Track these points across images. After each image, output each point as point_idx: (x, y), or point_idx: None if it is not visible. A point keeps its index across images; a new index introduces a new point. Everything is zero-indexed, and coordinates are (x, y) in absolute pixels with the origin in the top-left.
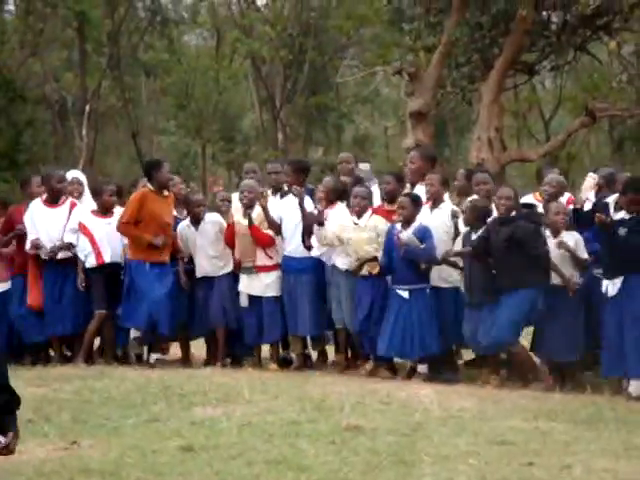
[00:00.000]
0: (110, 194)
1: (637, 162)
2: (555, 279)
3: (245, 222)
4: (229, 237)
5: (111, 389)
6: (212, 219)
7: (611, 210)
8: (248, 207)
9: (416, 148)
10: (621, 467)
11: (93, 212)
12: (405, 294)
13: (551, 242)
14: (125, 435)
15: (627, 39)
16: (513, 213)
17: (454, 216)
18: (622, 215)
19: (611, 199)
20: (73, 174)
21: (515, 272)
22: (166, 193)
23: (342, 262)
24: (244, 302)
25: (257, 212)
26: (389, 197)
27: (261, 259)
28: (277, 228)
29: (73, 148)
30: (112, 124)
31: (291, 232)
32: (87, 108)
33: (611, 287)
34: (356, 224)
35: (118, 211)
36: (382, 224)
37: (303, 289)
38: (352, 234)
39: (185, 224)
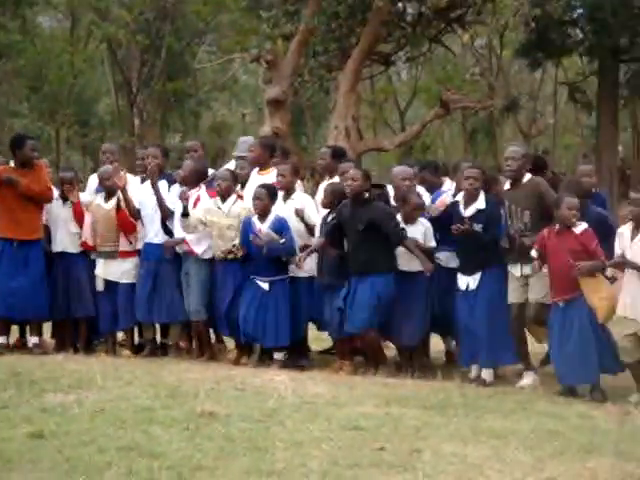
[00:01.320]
0: None
1: (488, 153)
2: (402, 266)
3: (106, 206)
4: (80, 217)
5: None
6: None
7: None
8: (108, 193)
9: (259, 138)
10: (469, 451)
11: None
12: (265, 286)
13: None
14: None
15: (480, 32)
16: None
17: (297, 214)
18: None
19: (459, 196)
20: None
21: (370, 256)
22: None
23: (201, 249)
24: (100, 286)
25: (115, 199)
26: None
27: (122, 244)
28: (136, 214)
29: None
30: None
31: (150, 218)
32: None
33: (472, 282)
34: (219, 208)
35: None
36: (245, 211)
37: (163, 276)
38: (215, 218)
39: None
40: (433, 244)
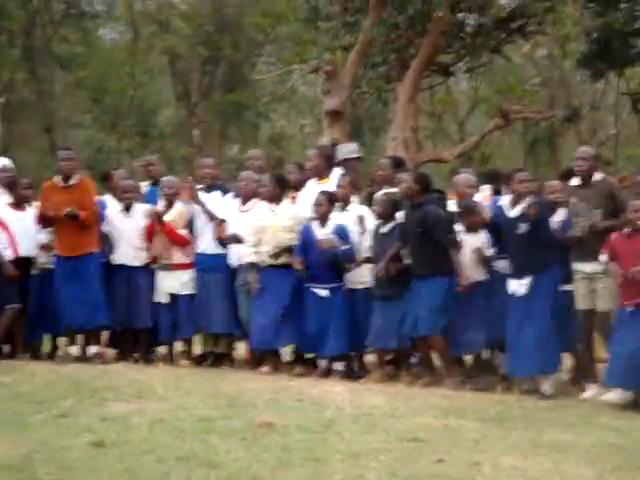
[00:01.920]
0: (25, 187)
1: (550, 164)
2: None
3: (167, 217)
4: (148, 230)
5: (20, 384)
6: (143, 208)
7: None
8: (168, 204)
9: (317, 147)
10: (529, 465)
11: (8, 205)
12: (324, 292)
13: (465, 239)
14: (34, 431)
15: (541, 42)
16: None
17: (360, 221)
18: (518, 211)
19: (505, 200)
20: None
21: (430, 258)
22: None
23: (251, 255)
24: (162, 298)
25: (176, 210)
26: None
27: (177, 257)
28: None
29: None
30: (26, 117)
31: (202, 229)
32: (1, 100)
33: (522, 286)
34: (273, 211)
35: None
36: (303, 212)
37: (216, 286)
38: (268, 222)
39: (115, 210)
40: (490, 253)
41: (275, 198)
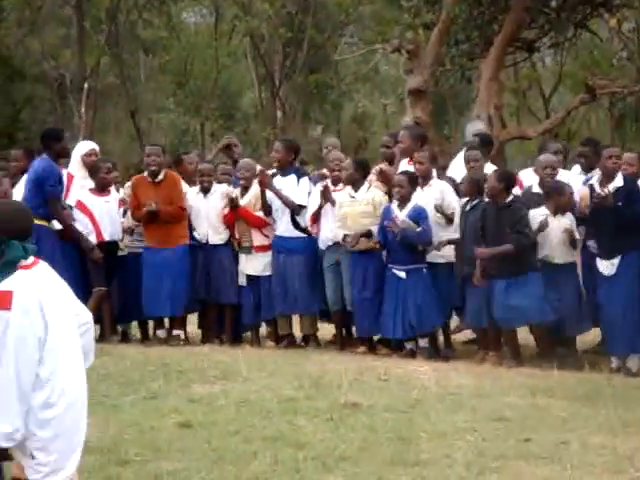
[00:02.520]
0: (107, 171)
1: (637, 139)
2: (557, 258)
3: (241, 201)
4: (226, 215)
5: (110, 366)
6: (221, 189)
7: (597, 188)
8: (245, 187)
9: (405, 128)
10: (618, 443)
11: (91, 190)
12: (402, 274)
13: (552, 221)
14: (123, 412)
15: (627, 16)
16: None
17: (437, 210)
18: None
19: (594, 179)
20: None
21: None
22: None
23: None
24: (243, 281)
25: (251, 193)
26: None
27: (257, 239)
28: (267, 209)
29: (72, 126)
30: (111, 102)
31: (280, 212)
32: (85, 86)
33: (610, 267)
34: (353, 197)
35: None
36: (379, 196)
37: (294, 269)
38: (348, 208)
39: (194, 192)
40: (577, 235)
41: (355, 183)
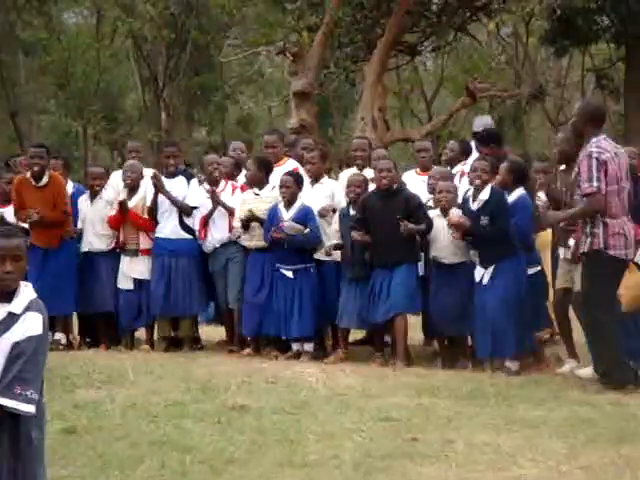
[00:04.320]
0: (7, 182)
1: (515, 142)
2: (445, 259)
3: (129, 203)
4: (113, 219)
5: None
6: (107, 195)
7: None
8: (131, 188)
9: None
10: (502, 440)
11: None
12: (289, 274)
13: (440, 222)
14: None
15: (505, 20)
16: (395, 186)
17: (320, 215)
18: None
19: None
20: None
21: (404, 245)
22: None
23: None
24: (128, 285)
25: (139, 196)
26: None
27: (144, 242)
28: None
29: None
30: None
31: (167, 214)
32: None
33: (486, 275)
34: (257, 194)
35: None
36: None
37: (178, 270)
38: (252, 205)
39: (83, 198)
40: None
41: (259, 182)
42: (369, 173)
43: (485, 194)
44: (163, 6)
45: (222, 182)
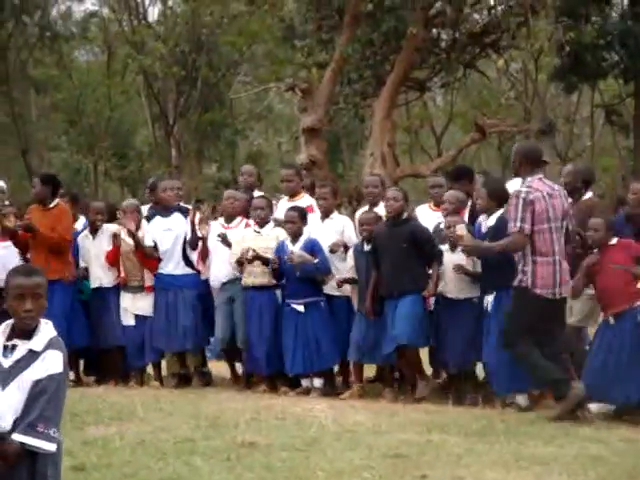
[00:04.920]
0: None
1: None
2: (450, 293)
3: (130, 241)
4: (111, 256)
5: None
6: (109, 229)
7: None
8: (136, 227)
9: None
10: (512, 478)
11: None
12: (300, 308)
13: (448, 256)
14: None
15: (514, 56)
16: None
17: (331, 251)
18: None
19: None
20: None
21: (410, 274)
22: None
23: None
24: (130, 321)
25: (140, 234)
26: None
27: (149, 279)
28: (152, 251)
29: None
30: (1, 140)
31: (170, 251)
32: None
33: (489, 302)
34: (257, 232)
35: None
36: (284, 234)
37: (186, 305)
38: (252, 242)
39: (84, 234)
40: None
41: (263, 221)
42: (381, 210)
43: (492, 221)
44: (173, 43)
45: (237, 218)
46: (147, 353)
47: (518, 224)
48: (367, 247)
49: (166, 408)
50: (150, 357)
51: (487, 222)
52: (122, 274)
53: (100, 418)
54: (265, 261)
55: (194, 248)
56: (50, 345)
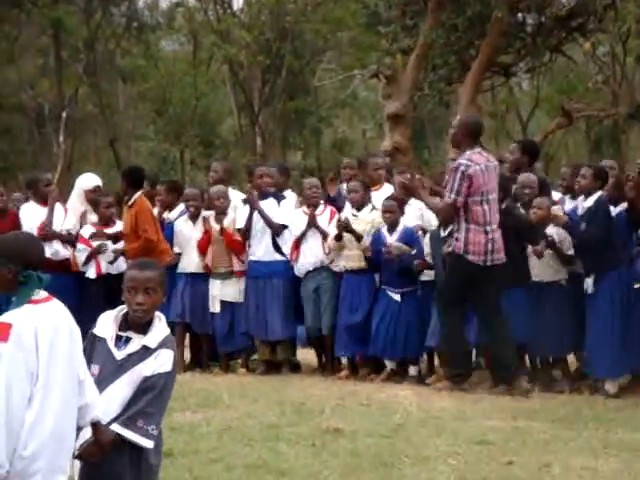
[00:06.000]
0: (107, 206)
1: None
2: (537, 277)
3: (218, 227)
4: (203, 242)
5: None
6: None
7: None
8: (221, 212)
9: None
10: (599, 465)
11: (93, 224)
12: (397, 297)
13: None
14: None
15: (601, 40)
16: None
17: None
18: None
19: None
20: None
21: (515, 266)
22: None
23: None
24: (216, 308)
25: (229, 218)
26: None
27: (237, 265)
28: (244, 233)
29: (51, 155)
30: (90, 131)
31: (260, 236)
32: (64, 115)
33: (590, 284)
34: (355, 216)
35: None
36: (379, 219)
37: (274, 292)
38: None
39: (182, 219)
40: (571, 252)
41: (361, 204)
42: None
43: (590, 202)
44: (258, 32)
45: (321, 205)
46: (236, 339)
47: (452, 195)
48: (444, 233)
49: (251, 395)
50: (239, 343)
51: (585, 204)
52: (208, 261)
53: (186, 404)
54: (358, 237)
55: (277, 235)
56: (164, 343)
